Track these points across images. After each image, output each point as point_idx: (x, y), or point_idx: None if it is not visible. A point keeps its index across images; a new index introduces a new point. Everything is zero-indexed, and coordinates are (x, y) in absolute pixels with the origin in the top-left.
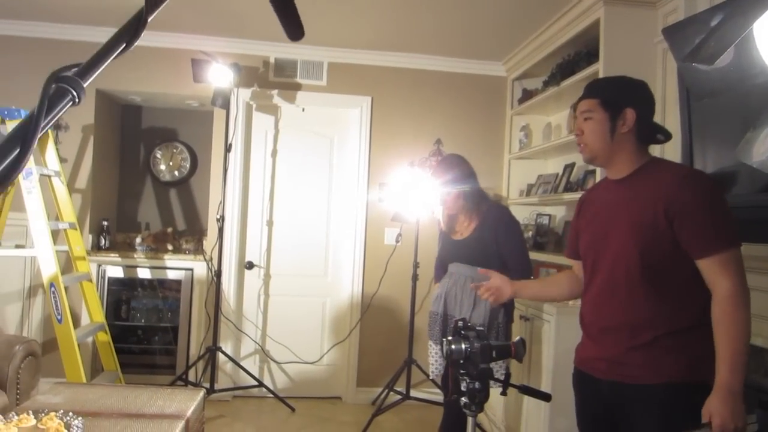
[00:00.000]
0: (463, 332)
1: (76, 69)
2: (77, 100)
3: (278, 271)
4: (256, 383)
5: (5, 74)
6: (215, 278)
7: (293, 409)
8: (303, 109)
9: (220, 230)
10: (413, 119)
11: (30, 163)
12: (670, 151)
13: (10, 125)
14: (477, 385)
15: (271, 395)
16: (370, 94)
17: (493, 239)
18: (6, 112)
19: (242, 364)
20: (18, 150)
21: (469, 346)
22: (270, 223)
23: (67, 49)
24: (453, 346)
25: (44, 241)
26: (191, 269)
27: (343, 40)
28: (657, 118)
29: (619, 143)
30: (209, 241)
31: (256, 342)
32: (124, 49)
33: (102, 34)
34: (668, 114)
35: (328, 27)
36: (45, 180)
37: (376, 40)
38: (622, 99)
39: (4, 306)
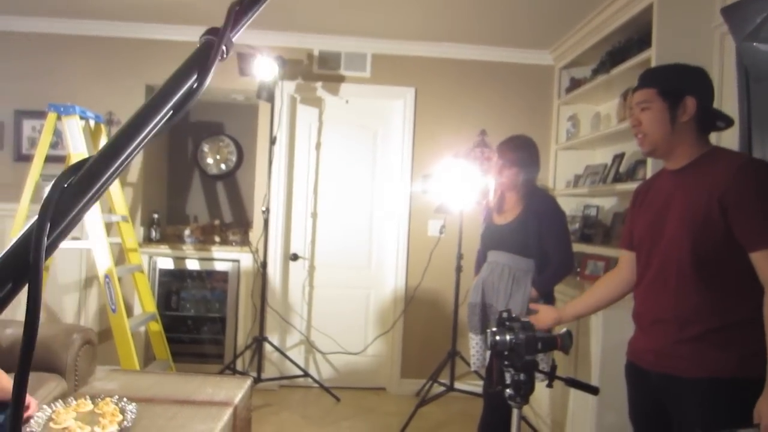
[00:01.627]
0: (507, 323)
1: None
2: (224, 54)
3: (322, 262)
4: (301, 373)
5: (60, 72)
6: (261, 269)
7: (338, 399)
8: (347, 101)
9: (266, 222)
10: (457, 110)
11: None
12: (728, 139)
13: (66, 121)
14: (522, 376)
15: (317, 385)
16: (413, 85)
17: (536, 227)
18: (62, 109)
19: (288, 354)
20: (196, 75)
21: (513, 338)
22: (314, 215)
23: (122, 46)
24: (497, 338)
25: (99, 233)
26: (238, 261)
27: (386, 31)
28: (714, 106)
29: (680, 133)
30: (255, 233)
31: (301, 332)
32: None
33: (156, 31)
34: (725, 101)
35: (372, 18)
36: None
37: (420, 31)
38: (682, 87)
39: (62, 296)
